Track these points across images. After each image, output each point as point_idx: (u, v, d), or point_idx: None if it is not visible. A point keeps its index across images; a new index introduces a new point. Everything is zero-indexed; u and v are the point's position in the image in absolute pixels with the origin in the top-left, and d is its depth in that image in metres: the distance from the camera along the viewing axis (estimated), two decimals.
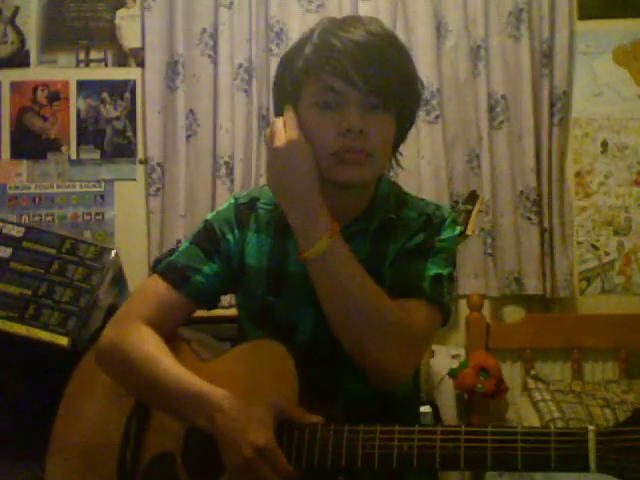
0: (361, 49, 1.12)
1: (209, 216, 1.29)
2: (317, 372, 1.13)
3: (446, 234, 1.23)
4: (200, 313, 1.31)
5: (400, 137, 1.22)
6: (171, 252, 1.28)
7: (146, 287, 1.26)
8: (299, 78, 1.16)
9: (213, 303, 1.29)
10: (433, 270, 1.19)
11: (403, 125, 1.21)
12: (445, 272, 1.20)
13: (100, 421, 1.26)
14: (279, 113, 1.20)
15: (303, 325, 1.21)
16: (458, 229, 1.26)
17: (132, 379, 1.18)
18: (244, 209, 1.27)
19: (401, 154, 1.28)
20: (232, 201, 1.29)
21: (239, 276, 1.26)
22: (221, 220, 1.26)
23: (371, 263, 1.18)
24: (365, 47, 1.12)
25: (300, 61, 1.16)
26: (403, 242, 1.22)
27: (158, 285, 1.23)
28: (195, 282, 1.23)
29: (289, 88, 1.17)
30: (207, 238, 1.26)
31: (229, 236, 1.25)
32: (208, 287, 1.24)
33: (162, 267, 1.25)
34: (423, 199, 1.31)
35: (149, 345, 1.17)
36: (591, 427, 0.95)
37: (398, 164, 1.28)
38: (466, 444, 0.98)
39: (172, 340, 1.23)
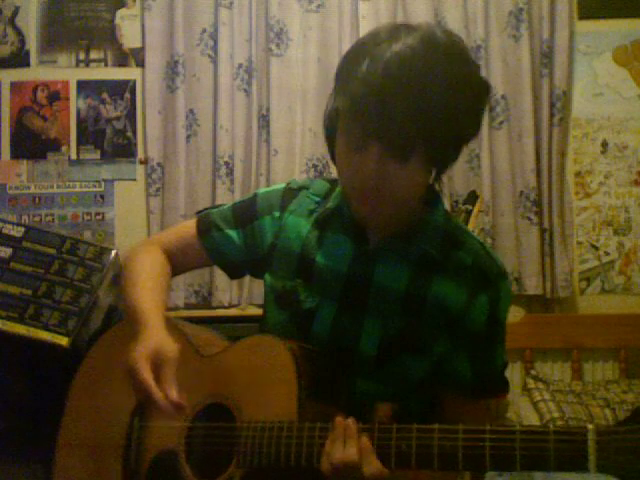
0: (386, 94, 0.99)
1: (260, 191, 1.33)
2: (325, 369, 1.13)
3: (507, 306, 1.29)
4: (200, 313, 1.32)
5: (439, 171, 1.14)
6: (217, 206, 1.37)
7: (182, 225, 1.42)
8: (334, 113, 1.12)
9: (227, 267, 1.34)
10: (502, 356, 1.31)
11: (440, 163, 1.12)
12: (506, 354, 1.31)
13: (104, 419, 1.27)
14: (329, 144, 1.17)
15: (321, 315, 1.20)
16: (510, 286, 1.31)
17: (121, 288, 1.30)
18: (291, 193, 1.29)
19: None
20: (285, 185, 1.31)
21: (268, 257, 1.26)
22: (267, 199, 1.30)
23: (412, 292, 1.18)
24: (392, 86, 0.98)
25: (341, 97, 1.08)
26: (455, 287, 1.20)
27: (190, 226, 1.34)
28: (213, 238, 1.30)
29: (329, 120, 1.15)
30: (246, 209, 1.30)
31: (267, 218, 1.27)
32: (223, 248, 1.30)
33: (201, 214, 1.36)
34: (480, 242, 1.27)
35: (146, 268, 1.28)
36: (590, 426, 0.93)
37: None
38: (464, 443, 0.97)
39: (171, 334, 1.23)
